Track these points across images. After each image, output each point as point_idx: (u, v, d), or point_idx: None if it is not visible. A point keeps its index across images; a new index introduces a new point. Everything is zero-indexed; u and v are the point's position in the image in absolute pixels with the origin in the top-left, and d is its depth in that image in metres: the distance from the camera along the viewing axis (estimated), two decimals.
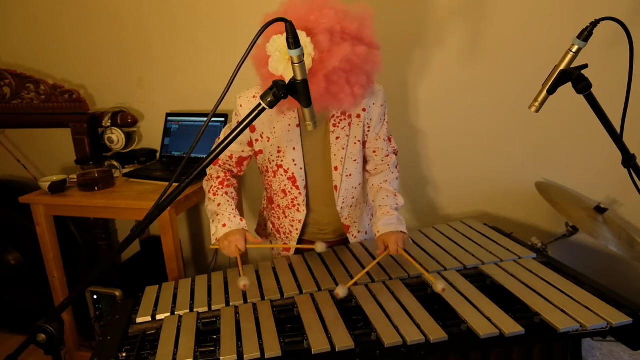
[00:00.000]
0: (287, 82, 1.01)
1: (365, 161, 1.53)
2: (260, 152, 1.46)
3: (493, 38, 1.90)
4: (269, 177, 1.49)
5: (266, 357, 1.04)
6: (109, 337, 1.19)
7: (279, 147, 1.41)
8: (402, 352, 1.07)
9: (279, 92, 0.98)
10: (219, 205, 1.41)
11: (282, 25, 0.93)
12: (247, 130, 1.38)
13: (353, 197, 1.52)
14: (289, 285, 1.34)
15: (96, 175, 1.93)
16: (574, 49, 1.07)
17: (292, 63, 0.97)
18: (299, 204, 1.47)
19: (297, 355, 1.08)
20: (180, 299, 1.33)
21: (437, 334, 1.08)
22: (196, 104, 2.26)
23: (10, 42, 2.38)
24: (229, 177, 1.49)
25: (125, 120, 2.19)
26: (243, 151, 1.47)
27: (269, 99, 0.99)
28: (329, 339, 1.08)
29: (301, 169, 1.43)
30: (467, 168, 2.10)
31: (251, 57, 1.18)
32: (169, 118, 2.20)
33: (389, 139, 1.54)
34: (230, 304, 1.28)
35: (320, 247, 1.36)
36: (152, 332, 1.22)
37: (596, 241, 1.55)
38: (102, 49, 2.28)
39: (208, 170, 1.51)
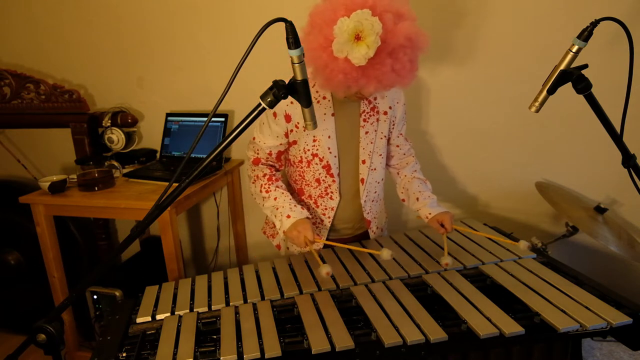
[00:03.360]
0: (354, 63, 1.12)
1: (388, 157, 1.60)
2: (295, 142, 1.47)
3: (493, 38, 1.90)
4: (302, 167, 1.50)
5: (266, 357, 1.04)
6: (109, 337, 1.19)
7: (314, 136, 1.43)
8: (402, 352, 1.07)
9: (279, 92, 0.97)
10: (275, 199, 1.42)
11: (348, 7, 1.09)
12: (284, 121, 1.41)
13: (375, 192, 1.56)
14: (289, 285, 1.34)
15: (96, 175, 1.93)
16: (574, 49, 1.07)
17: (292, 63, 0.97)
18: (332, 192, 1.50)
19: (297, 355, 1.08)
20: (180, 299, 1.33)
21: (437, 334, 1.08)
22: (196, 104, 2.25)
23: (10, 42, 2.38)
24: (274, 172, 1.51)
25: (125, 120, 2.19)
26: (280, 144, 1.48)
27: (269, 99, 0.99)
28: (329, 339, 1.08)
29: (335, 157, 1.46)
30: (467, 168, 2.10)
31: (306, 42, 1.15)
32: (169, 118, 2.20)
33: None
34: (230, 304, 1.29)
35: (386, 254, 1.24)
36: (152, 332, 1.22)
37: (596, 241, 1.55)
38: (102, 49, 2.28)
39: (251, 173, 1.51)
